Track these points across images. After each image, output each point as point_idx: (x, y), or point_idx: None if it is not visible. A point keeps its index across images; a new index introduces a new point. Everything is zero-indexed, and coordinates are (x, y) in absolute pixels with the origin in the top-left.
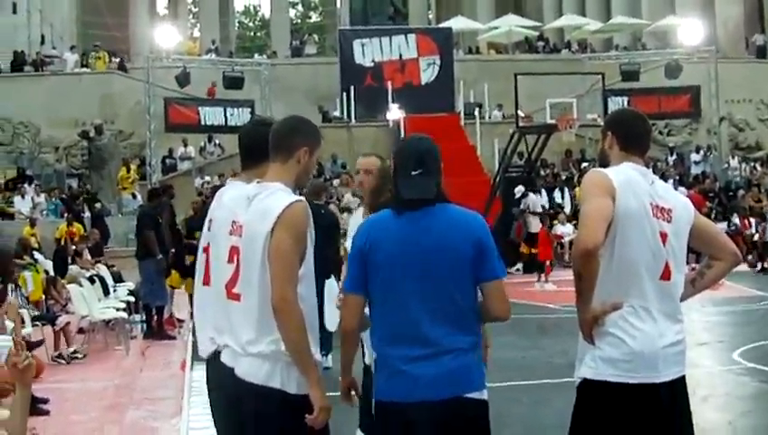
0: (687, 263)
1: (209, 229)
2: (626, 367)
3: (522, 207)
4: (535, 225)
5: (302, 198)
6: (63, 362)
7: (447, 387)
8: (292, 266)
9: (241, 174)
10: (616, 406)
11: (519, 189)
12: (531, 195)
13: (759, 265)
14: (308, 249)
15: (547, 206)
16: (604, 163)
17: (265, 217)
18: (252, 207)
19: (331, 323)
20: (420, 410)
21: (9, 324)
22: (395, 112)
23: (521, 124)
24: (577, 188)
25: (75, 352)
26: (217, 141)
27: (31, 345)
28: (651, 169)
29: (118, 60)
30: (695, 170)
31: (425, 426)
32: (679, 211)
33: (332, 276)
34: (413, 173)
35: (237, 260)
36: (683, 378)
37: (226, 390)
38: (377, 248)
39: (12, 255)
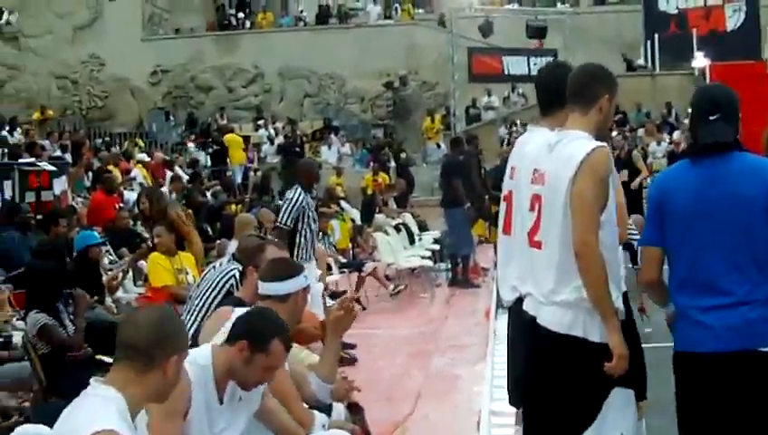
0: None
1: (511, 177)
2: None
3: None
4: None
5: (604, 144)
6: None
7: (742, 339)
8: (594, 212)
9: (541, 120)
10: None
11: None
12: None
13: None
14: (610, 196)
15: None
16: None
17: (568, 164)
18: (553, 155)
19: None
20: (715, 361)
21: (318, 271)
22: (700, 60)
23: None
24: None
25: (396, 287)
26: (521, 90)
27: (336, 294)
28: None
29: (421, 11)
30: None
31: (717, 377)
32: None
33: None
34: (711, 118)
35: (539, 208)
36: None
37: (528, 337)
38: (671, 198)
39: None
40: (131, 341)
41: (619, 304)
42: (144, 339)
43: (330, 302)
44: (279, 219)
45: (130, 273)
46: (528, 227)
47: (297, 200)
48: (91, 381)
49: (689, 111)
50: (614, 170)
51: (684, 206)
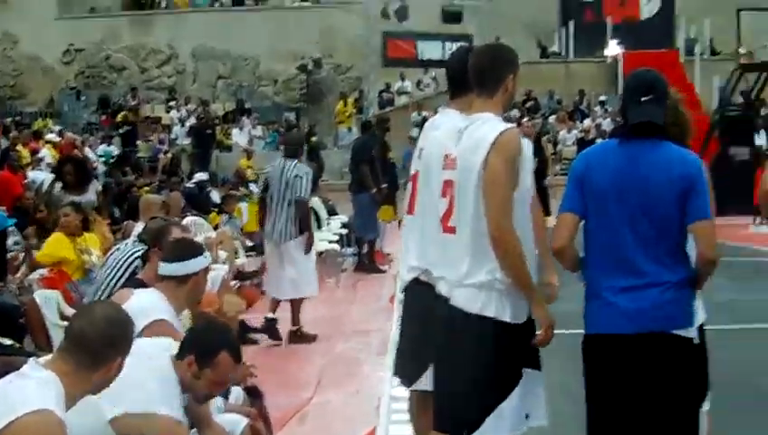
0: None
1: (419, 157)
2: None
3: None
4: None
5: (513, 125)
6: None
7: (653, 321)
8: (507, 194)
9: (451, 103)
10: None
11: None
12: None
13: None
14: (521, 175)
15: (766, 146)
16: None
17: (479, 147)
18: (463, 139)
19: None
20: (627, 343)
21: (222, 254)
22: (613, 48)
23: (742, 61)
24: None
25: None
26: (434, 74)
27: (245, 276)
28: None
29: None
30: None
31: (630, 359)
32: None
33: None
34: (643, 99)
35: (452, 193)
36: None
37: (438, 317)
38: (593, 174)
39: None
40: (84, 335)
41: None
42: (98, 336)
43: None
44: (300, 194)
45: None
46: (441, 213)
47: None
48: (30, 361)
49: (617, 94)
50: (528, 152)
51: (603, 184)
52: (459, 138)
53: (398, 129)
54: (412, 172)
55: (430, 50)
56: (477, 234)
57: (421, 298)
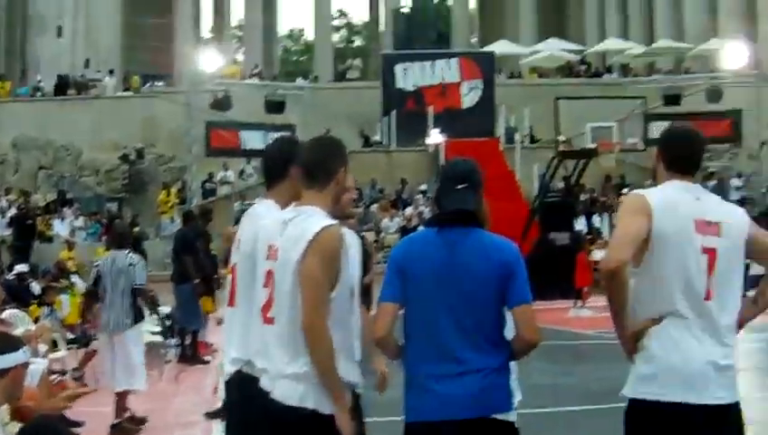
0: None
1: (238, 248)
2: (660, 384)
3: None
4: None
5: (337, 222)
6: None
7: (475, 407)
8: (322, 292)
9: (267, 193)
10: (653, 425)
11: None
12: None
13: None
14: (341, 273)
15: (585, 231)
16: (655, 178)
17: (297, 243)
18: (287, 232)
19: None
20: (448, 430)
21: (42, 348)
22: (435, 137)
23: (561, 149)
24: (615, 213)
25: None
26: (256, 164)
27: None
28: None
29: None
30: (735, 196)
31: None
32: (731, 224)
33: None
34: (457, 187)
35: (272, 284)
36: (733, 407)
37: (259, 410)
38: (412, 263)
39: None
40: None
41: (355, 378)
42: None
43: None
44: (137, 281)
45: None
46: (261, 303)
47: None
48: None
49: (435, 182)
50: (353, 245)
51: (423, 272)
52: (284, 228)
53: (220, 219)
54: (231, 264)
55: (253, 140)
56: (294, 326)
57: (243, 390)
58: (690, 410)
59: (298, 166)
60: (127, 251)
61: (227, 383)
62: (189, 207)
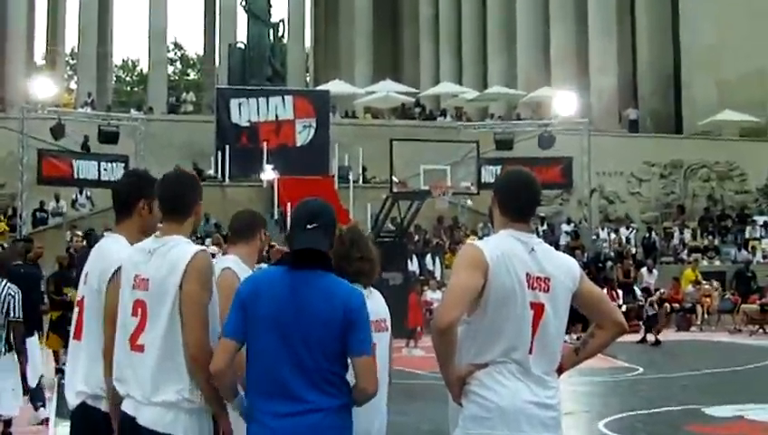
0: (570, 332)
1: (84, 283)
2: (489, 424)
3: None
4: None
5: (205, 247)
6: None
7: None
8: (205, 314)
9: (116, 227)
10: None
11: None
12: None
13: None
14: (213, 299)
15: (418, 271)
16: (492, 219)
17: (174, 270)
18: (155, 260)
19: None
20: None
21: None
22: (269, 173)
23: (395, 190)
24: (448, 255)
25: None
26: (89, 194)
27: None
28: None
29: None
30: (565, 241)
31: None
32: (560, 278)
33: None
34: (308, 227)
35: (143, 313)
36: None
37: None
38: (257, 300)
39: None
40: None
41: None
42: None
43: None
44: (15, 314)
45: None
46: (130, 332)
47: None
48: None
49: (273, 218)
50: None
51: (266, 311)
52: (150, 259)
53: (51, 248)
54: (78, 299)
55: (86, 169)
56: (168, 353)
57: (89, 422)
58: None
59: (158, 199)
60: (4, 281)
61: (73, 415)
62: (20, 236)
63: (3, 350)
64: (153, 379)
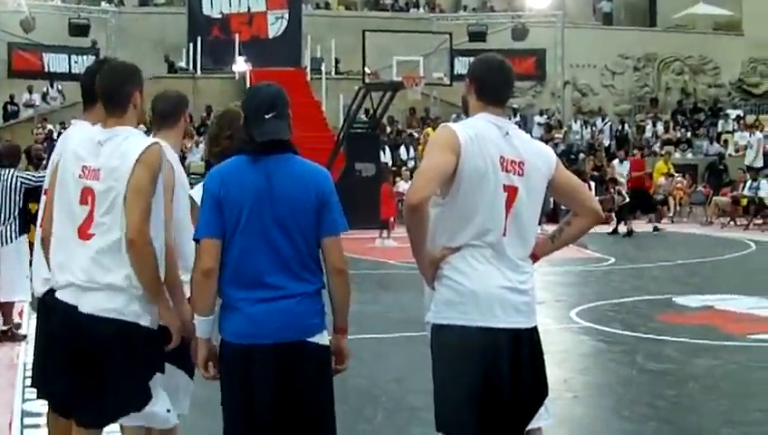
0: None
1: (54, 172)
2: (461, 309)
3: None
4: None
5: (158, 141)
6: None
7: (290, 330)
8: (149, 204)
9: (83, 114)
10: (456, 348)
11: None
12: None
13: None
14: (158, 190)
15: (390, 163)
16: (466, 109)
17: (124, 160)
18: (106, 151)
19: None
20: (263, 353)
21: None
22: (241, 65)
23: (367, 81)
24: (420, 146)
25: None
26: (60, 87)
27: None
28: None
29: None
30: (537, 133)
31: (267, 368)
32: (535, 164)
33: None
34: (266, 117)
35: (92, 201)
36: (531, 331)
37: (69, 326)
38: (230, 193)
39: None
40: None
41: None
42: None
43: None
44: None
45: None
46: (80, 220)
47: None
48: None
49: (238, 110)
50: (169, 167)
51: (239, 200)
52: (100, 148)
53: (23, 141)
54: (46, 186)
55: (57, 62)
56: (116, 242)
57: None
58: (491, 333)
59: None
60: (11, 170)
61: (40, 301)
62: None
63: (15, 235)
64: (99, 262)
